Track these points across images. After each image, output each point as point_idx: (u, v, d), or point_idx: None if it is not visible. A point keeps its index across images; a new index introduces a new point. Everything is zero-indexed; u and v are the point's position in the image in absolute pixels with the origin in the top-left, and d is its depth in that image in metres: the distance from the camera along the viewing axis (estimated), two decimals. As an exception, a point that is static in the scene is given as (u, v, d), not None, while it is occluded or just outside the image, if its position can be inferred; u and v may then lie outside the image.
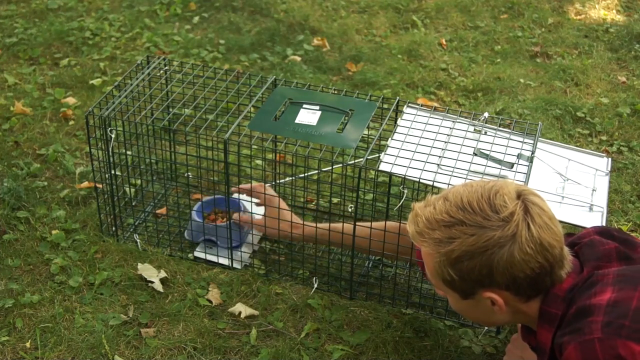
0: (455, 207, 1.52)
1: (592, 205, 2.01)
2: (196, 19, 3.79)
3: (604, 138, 2.98)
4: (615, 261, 1.57)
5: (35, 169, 2.65)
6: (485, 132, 2.12)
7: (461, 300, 1.60)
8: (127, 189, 2.50)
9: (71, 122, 2.94)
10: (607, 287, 1.48)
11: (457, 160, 1.98)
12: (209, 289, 2.21)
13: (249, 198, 2.36)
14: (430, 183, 1.90)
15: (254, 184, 2.28)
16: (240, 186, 2.33)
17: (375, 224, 2.08)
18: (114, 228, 2.36)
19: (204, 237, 2.31)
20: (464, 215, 1.51)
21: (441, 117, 2.20)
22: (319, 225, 2.18)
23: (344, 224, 2.11)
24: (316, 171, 2.56)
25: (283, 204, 2.26)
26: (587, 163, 2.19)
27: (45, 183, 2.59)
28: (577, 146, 2.87)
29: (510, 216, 1.48)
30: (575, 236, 1.70)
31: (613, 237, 1.63)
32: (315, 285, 2.21)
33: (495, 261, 1.49)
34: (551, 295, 1.55)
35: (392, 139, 2.07)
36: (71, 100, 3.06)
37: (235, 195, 2.41)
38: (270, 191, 2.28)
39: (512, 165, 1.98)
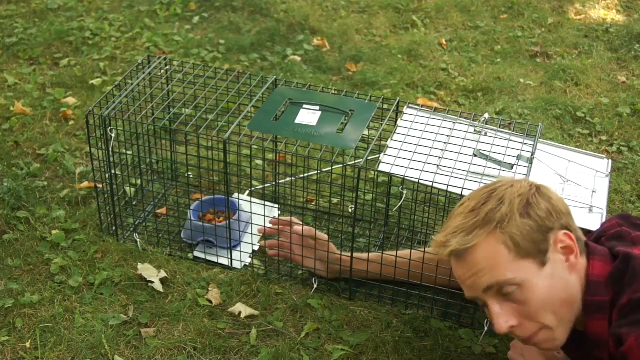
0: (475, 196, 1.57)
1: (592, 206, 2.01)
2: (196, 19, 3.79)
3: (604, 138, 2.98)
4: None
5: (35, 169, 2.65)
6: (485, 133, 2.12)
7: (540, 273, 1.51)
8: (127, 189, 2.50)
9: (71, 122, 2.94)
10: None
11: (456, 161, 1.98)
12: (209, 289, 2.21)
13: (247, 198, 2.36)
14: (430, 184, 1.91)
15: (305, 228, 2.18)
16: (281, 219, 2.24)
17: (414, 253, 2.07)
18: (114, 228, 2.36)
19: (203, 237, 2.31)
20: (489, 189, 1.57)
21: (441, 118, 2.20)
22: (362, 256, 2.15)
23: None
24: (316, 171, 2.56)
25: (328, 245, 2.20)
26: (587, 164, 2.19)
27: (45, 183, 2.59)
28: (577, 146, 2.87)
29: (516, 178, 1.61)
30: (599, 229, 1.72)
31: (637, 226, 1.65)
32: (315, 286, 2.22)
33: (543, 195, 1.55)
34: (592, 284, 1.54)
35: (392, 140, 2.07)
36: (71, 100, 3.07)
37: (235, 196, 2.42)
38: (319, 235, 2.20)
39: (511, 166, 1.99)
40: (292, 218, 2.20)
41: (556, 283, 1.52)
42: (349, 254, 2.13)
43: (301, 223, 2.23)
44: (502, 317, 1.53)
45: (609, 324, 1.52)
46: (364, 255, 2.16)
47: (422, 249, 2.06)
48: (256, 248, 2.36)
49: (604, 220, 1.98)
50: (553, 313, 1.53)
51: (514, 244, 1.50)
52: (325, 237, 2.19)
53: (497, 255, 1.51)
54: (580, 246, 1.57)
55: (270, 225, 2.24)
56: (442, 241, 1.55)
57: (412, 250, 2.07)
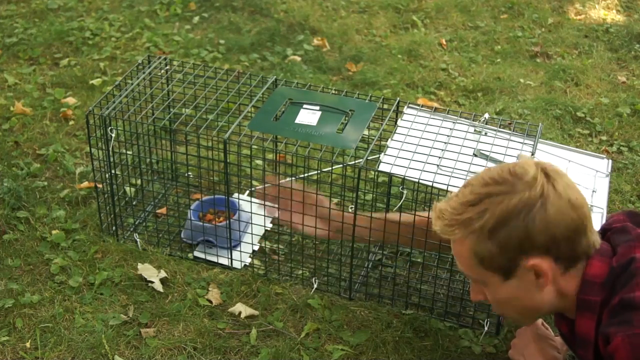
0: (478, 186, 1.54)
1: (592, 206, 2.01)
2: (196, 19, 3.79)
3: (604, 138, 2.98)
4: None
5: (35, 169, 2.65)
6: (485, 133, 2.13)
7: (503, 283, 1.56)
8: (127, 189, 2.50)
9: (71, 122, 2.94)
10: None
11: (456, 160, 1.98)
12: (209, 289, 2.21)
13: (247, 198, 2.36)
14: (430, 183, 1.91)
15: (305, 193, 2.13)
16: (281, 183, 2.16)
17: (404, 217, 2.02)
18: (114, 228, 2.36)
19: (203, 237, 2.32)
20: (488, 189, 1.52)
21: (441, 118, 2.20)
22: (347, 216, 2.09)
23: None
24: (316, 171, 2.56)
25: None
26: (587, 164, 2.19)
27: (45, 183, 2.59)
28: (577, 146, 2.87)
29: (533, 179, 1.50)
30: (605, 223, 1.71)
31: None
32: (315, 286, 2.22)
33: (530, 222, 1.49)
34: (588, 284, 1.54)
35: (392, 140, 2.07)
36: (71, 100, 3.07)
37: (235, 196, 2.42)
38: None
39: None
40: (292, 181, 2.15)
41: (519, 294, 1.59)
42: (351, 213, 2.08)
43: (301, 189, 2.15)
44: (473, 292, 1.69)
45: (596, 325, 1.53)
46: (367, 215, 2.08)
47: (427, 214, 2.00)
48: (256, 248, 2.36)
49: (604, 220, 1.98)
50: (514, 312, 1.67)
51: (477, 257, 1.55)
52: (326, 199, 2.15)
53: (465, 256, 1.58)
54: (570, 264, 1.55)
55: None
56: (433, 217, 1.61)
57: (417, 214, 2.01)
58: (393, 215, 2.03)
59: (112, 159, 2.23)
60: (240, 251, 2.31)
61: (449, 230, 1.56)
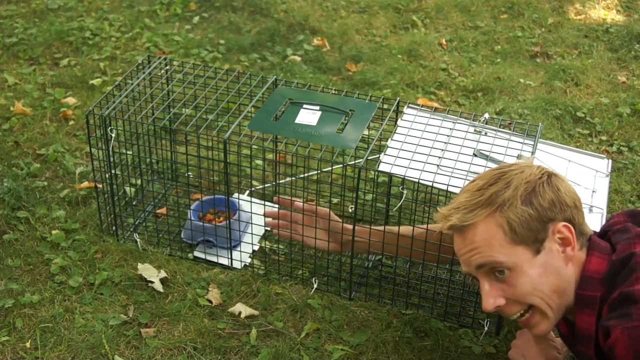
0: (488, 173, 1.60)
1: (592, 206, 2.01)
2: (196, 19, 3.79)
3: (604, 138, 2.98)
4: None
5: (35, 169, 2.65)
6: (485, 133, 2.13)
7: (534, 259, 1.54)
8: (127, 189, 2.50)
9: (71, 122, 2.94)
10: None
11: (456, 160, 1.98)
12: (209, 289, 2.21)
13: (247, 198, 2.36)
14: (430, 183, 1.91)
15: (305, 205, 2.16)
16: (281, 198, 2.20)
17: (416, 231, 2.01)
18: (114, 228, 2.36)
19: (203, 237, 2.32)
20: (500, 170, 1.58)
21: (441, 118, 2.20)
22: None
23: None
24: (316, 171, 2.56)
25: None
26: (587, 164, 2.19)
27: (45, 183, 2.59)
28: (577, 146, 2.87)
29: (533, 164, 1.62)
30: (606, 223, 1.72)
31: None
32: (315, 285, 2.22)
33: (553, 185, 1.55)
34: (587, 279, 1.56)
35: (392, 140, 2.07)
36: (71, 100, 3.07)
37: (235, 196, 2.42)
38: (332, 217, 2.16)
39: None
40: (293, 198, 2.17)
41: (548, 272, 1.56)
42: (351, 224, 2.08)
43: (301, 202, 2.18)
44: (491, 297, 1.58)
45: (596, 321, 1.54)
46: (366, 229, 2.09)
47: (425, 226, 2.02)
48: (256, 248, 2.36)
49: (604, 220, 1.98)
50: (541, 299, 1.57)
51: (510, 229, 1.54)
52: (326, 210, 2.16)
53: (493, 236, 1.55)
54: (581, 240, 1.59)
55: (273, 207, 2.21)
56: (445, 214, 1.60)
57: (415, 227, 2.01)
58: (393, 228, 2.04)
59: (112, 159, 2.23)
60: (240, 251, 2.31)
61: (470, 216, 1.55)
